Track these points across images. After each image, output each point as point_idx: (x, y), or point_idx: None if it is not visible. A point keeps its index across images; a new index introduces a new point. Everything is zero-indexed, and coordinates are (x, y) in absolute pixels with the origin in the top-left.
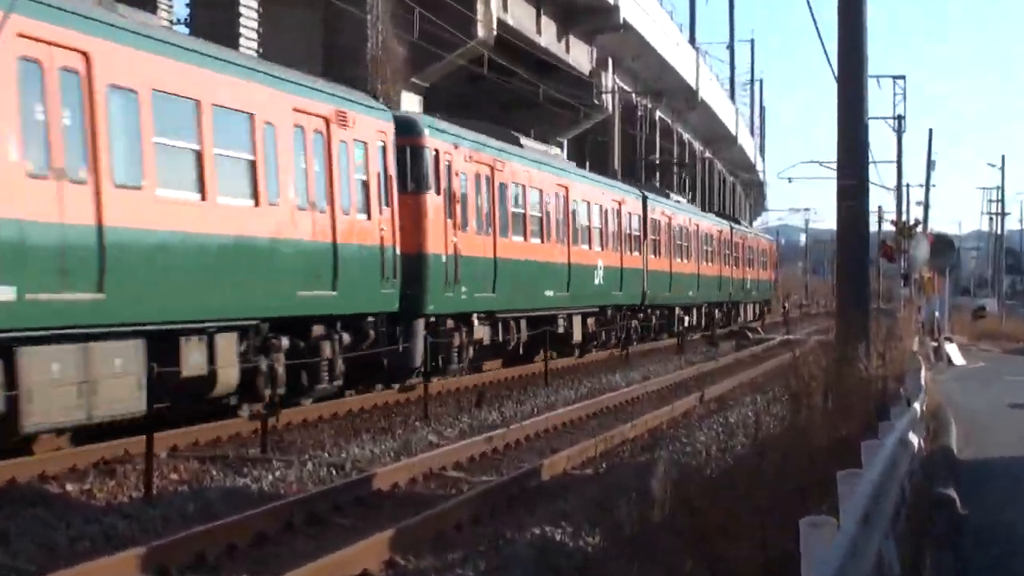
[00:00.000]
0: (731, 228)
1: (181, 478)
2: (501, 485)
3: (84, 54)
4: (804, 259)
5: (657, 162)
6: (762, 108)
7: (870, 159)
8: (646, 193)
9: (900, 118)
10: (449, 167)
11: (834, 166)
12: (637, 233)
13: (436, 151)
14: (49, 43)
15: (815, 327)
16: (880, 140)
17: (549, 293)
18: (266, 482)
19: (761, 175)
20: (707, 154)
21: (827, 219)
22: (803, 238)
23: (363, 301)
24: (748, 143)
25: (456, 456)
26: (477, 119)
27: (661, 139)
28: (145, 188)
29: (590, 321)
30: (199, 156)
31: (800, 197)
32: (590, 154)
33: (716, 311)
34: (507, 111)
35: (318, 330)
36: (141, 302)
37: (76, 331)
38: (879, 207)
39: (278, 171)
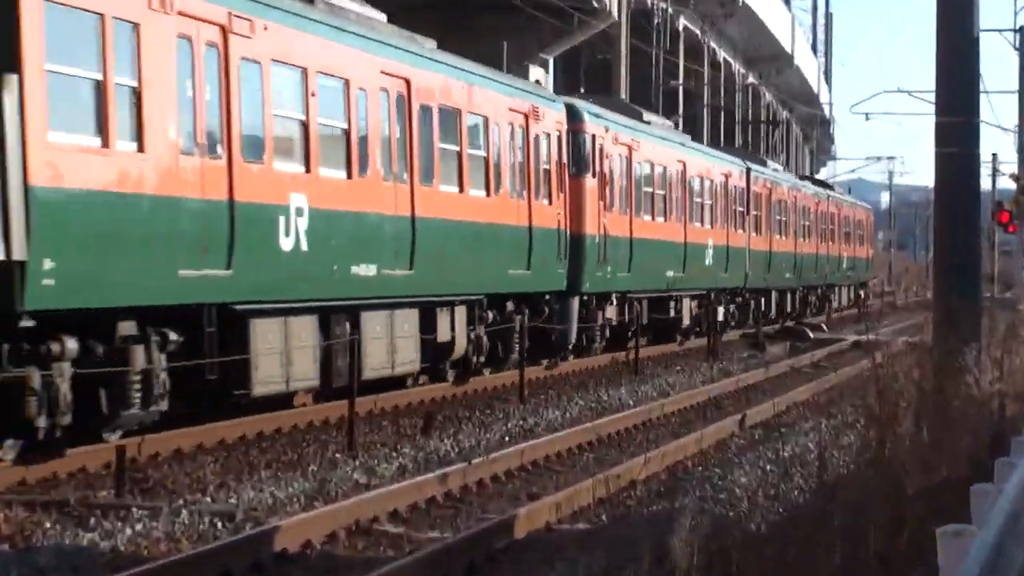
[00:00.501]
0: (827, 196)
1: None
2: (455, 546)
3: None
4: (887, 227)
5: (681, 90)
6: (828, 16)
7: (981, 88)
8: (749, 164)
9: (1023, 30)
10: (601, 150)
11: (930, 98)
12: (741, 208)
13: (593, 136)
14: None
15: (902, 323)
16: (994, 61)
17: (669, 274)
18: (121, 538)
19: (826, 109)
20: (751, 79)
21: (918, 172)
22: (885, 198)
23: (547, 280)
24: (809, 65)
25: (399, 501)
26: (430, 26)
27: (686, 59)
28: (434, 184)
29: (693, 305)
30: (459, 157)
31: (880, 141)
32: (587, 78)
33: (811, 295)
34: (469, 16)
35: (510, 305)
36: (432, 277)
37: (386, 300)
38: (993, 155)
39: (500, 164)
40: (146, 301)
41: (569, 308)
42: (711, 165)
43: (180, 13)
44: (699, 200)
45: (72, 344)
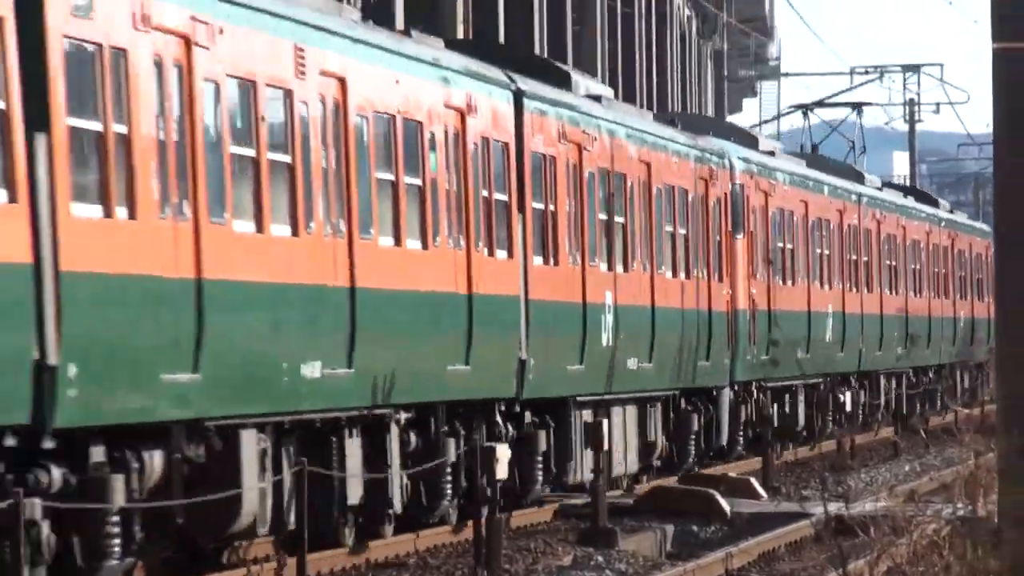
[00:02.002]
0: (940, 221)
1: None
2: None
3: None
4: None
5: None
6: None
7: None
8: (861, 190)
9: None
10: (748, 202)
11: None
12: (855, 257)
13: (742, 186)
14: None
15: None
16: None
17: (799, 355)
18: None
19: None
20: None
21: (976, 106)
22: (898, 161)
23: (718, 372)
24: None
25: None
26: None
27: None
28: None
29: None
30: (650, 233)
31: (876, 44)
32: None
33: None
34: None
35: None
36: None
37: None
38: None
39: (685, 237)
40: None
41: (720, 403)
42: (828, 202)
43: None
44: (819, 250)
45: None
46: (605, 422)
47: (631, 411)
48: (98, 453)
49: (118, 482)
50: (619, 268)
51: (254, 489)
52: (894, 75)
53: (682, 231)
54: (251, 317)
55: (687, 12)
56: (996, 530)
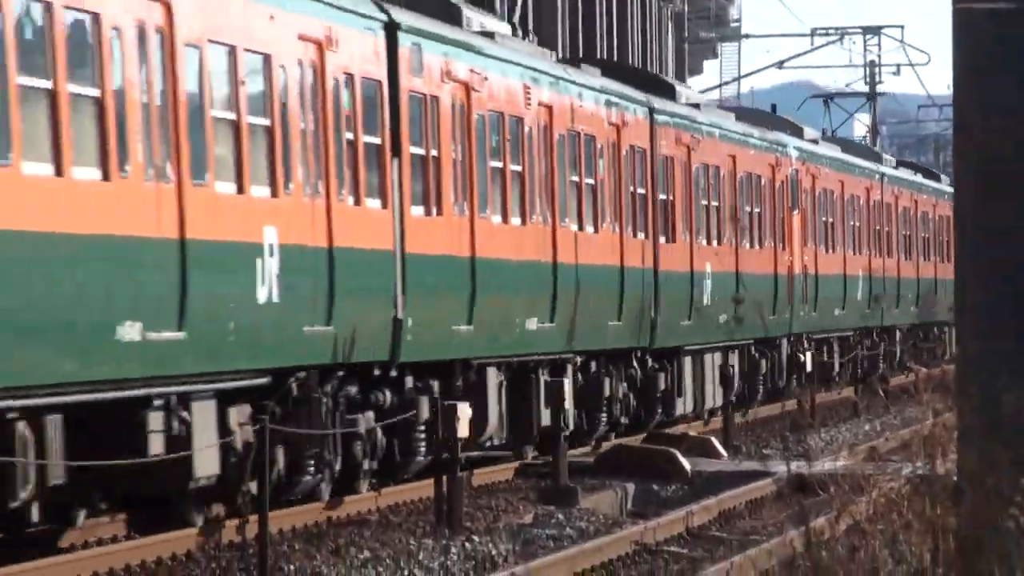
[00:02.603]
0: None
1: None
2: None
3: None
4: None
5: None
6: None
7: None
8: (883, 170)
9: None
10: (800, 182)
11: None
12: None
13: (797, 170)
14: None
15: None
16: None
17: (836, 312)
18: None
19: None
20: None
21: (936, 68)
22: (860, 124)
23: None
24: None
25: None
26: None
27: None
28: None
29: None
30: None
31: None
32: None
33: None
34: None
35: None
36: None
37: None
38: None
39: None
40: None
41: (781, 351)
42: (858, 181)
43: None
44: (852, 223)
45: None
46: (566, 381)
47: (718, 356)
48: (409, 381)
49: (424, 402)
50: (714, 244)
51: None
52: (855, 37)
53: (757, 209)
54: None
55: None
56: (955, 488)
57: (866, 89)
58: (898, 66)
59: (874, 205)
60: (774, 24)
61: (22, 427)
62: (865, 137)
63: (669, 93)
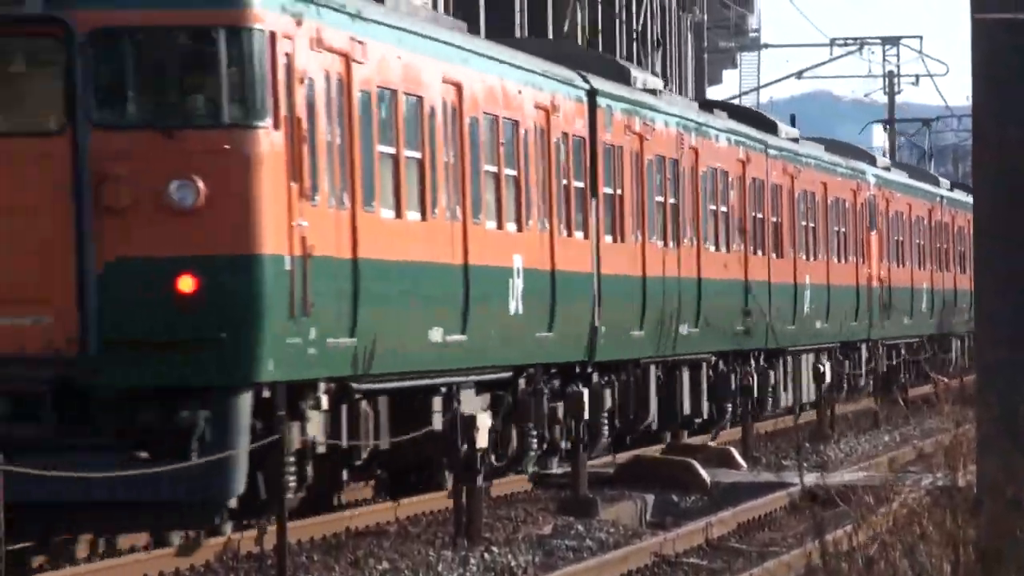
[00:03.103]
0: (941, 199)
1: None
2: None
3: None
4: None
5: None
6: None
7: None
8: (936, 190)
9: None
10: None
11: None
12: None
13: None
14: None
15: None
16: None
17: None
18: None
19: None
20: None
21: (956, 78)
22: (877, 135)
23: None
24: None
25: None
26: None
27: None
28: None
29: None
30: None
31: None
32: None
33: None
34: None
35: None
36: None
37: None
38: None
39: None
40: None
41: (860, 353)
42: (921, 203)
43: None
44: (918, 241)
45: None
46: (585, 392)
47: (811, 356)
48: (595, 377)
49: (607, 394)
50: (810, 258)
51: None
52: (874, 47)
53: (843, 229)
54: None
55: None
56: (975, 500)
57: (885, 99)
58: (917, 76)
59: (935, 225)
60: (793, 34)
61: (364, 405)
62: (883, 150)
63: (772, 129)
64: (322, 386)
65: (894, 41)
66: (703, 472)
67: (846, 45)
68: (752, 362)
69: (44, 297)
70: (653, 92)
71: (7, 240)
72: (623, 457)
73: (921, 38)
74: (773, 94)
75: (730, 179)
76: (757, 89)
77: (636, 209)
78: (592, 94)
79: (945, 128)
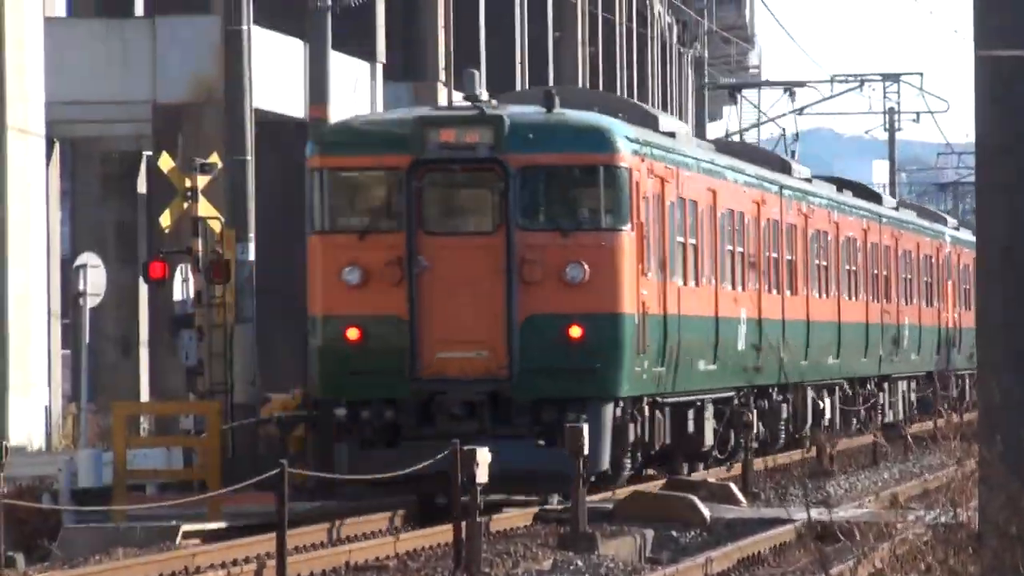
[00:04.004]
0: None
1: None
2: None
3: None
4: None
5: None
6: None
7: None
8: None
9: None
10: None
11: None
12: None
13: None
14: None
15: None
16: None
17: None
18: None
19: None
20: None
21: (958, 113)
22: (877, 168)
23: None
24: None
25: None
26: None
27: None
28: None
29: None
30: None
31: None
32: None
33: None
34: None
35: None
36: None
37: None
38: None
39: None
40: None
41: (937, 383)
42: (971, 254)
43: None
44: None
45: None
46: (585, 428)
47: (904, 383)
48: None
49: (783, 407)
50: (912, 304)
51: None
52: (874, 84)
53: (930, 280)
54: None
55: (668, 20)
56: (977, 536)
57: (885, 135)
58: (917, 113)
59: (942, 262)
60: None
61: (691, 412)
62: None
63: (877, 199)
64: (645, 399)
65: (895, 78)
66: (703, 507)
67: (847, 82)
68: (840, 390)
69: (484, 339)
70: (809, 179)
71: (464, 301)
72: (623, 492)
73: (922, 75)
74: (773, 131)
75: (828, 238)
76: (757, 125)
77: (789, 269)
78: (781, 188)
79: (945, 165)
